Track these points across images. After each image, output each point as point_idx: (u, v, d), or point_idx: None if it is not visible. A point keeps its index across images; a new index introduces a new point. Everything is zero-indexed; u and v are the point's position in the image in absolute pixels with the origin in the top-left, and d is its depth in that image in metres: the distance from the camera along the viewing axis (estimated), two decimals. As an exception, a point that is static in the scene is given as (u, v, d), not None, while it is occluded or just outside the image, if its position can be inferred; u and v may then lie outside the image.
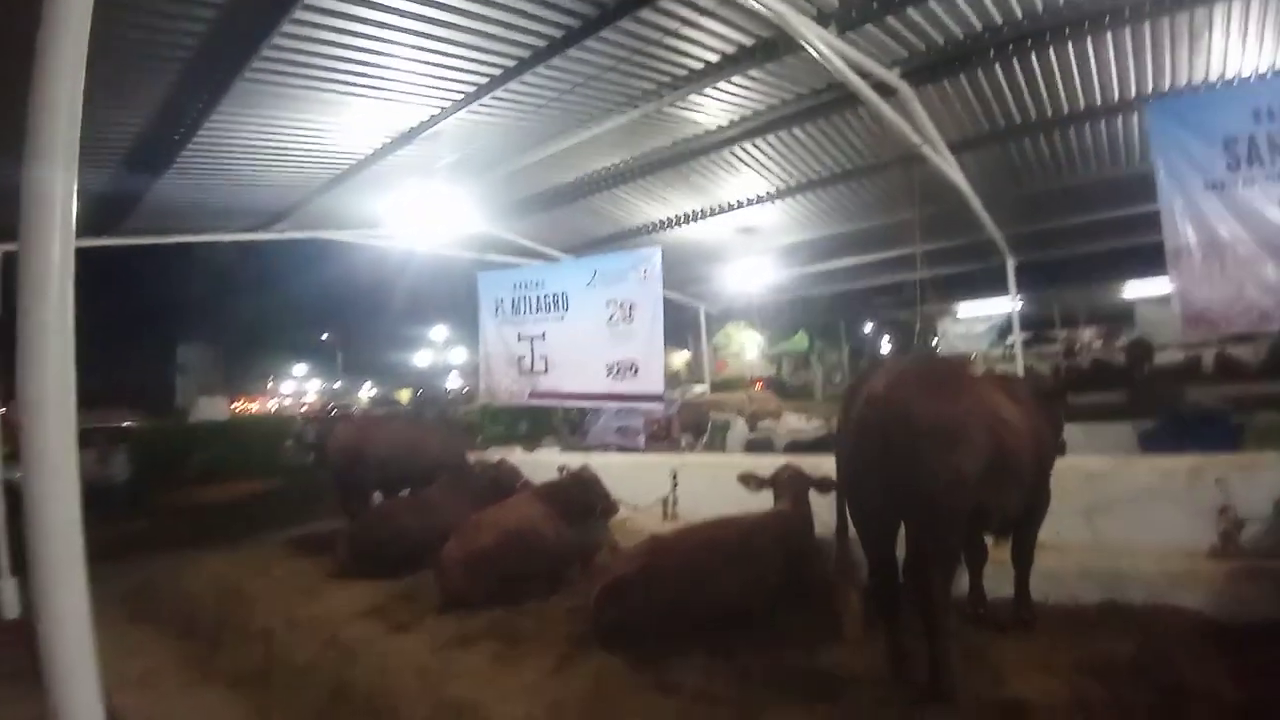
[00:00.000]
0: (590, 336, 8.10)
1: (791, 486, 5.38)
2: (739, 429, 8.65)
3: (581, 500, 6.41)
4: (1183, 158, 5.70)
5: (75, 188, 1.88)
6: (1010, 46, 6.52)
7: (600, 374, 7.99)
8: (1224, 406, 7.58)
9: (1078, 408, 9.11)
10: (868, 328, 23.12)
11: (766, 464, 5.96)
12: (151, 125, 5.93)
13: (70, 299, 1.79)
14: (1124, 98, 7.40)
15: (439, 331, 35.32)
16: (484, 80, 5.93)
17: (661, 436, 8.96)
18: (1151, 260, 14.77)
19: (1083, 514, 5.27)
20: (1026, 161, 8.95)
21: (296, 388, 40.56)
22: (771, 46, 6.10)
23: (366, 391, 38.94)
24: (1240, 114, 5.53)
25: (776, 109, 7.47)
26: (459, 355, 34.59)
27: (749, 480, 5.59)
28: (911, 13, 5.88)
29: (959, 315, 18.90)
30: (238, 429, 12.21)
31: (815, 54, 5.55)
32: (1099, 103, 7.50)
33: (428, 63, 5.59)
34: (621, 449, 8.62)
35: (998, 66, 6.88)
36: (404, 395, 32.53)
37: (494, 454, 8.57)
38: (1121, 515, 5.23)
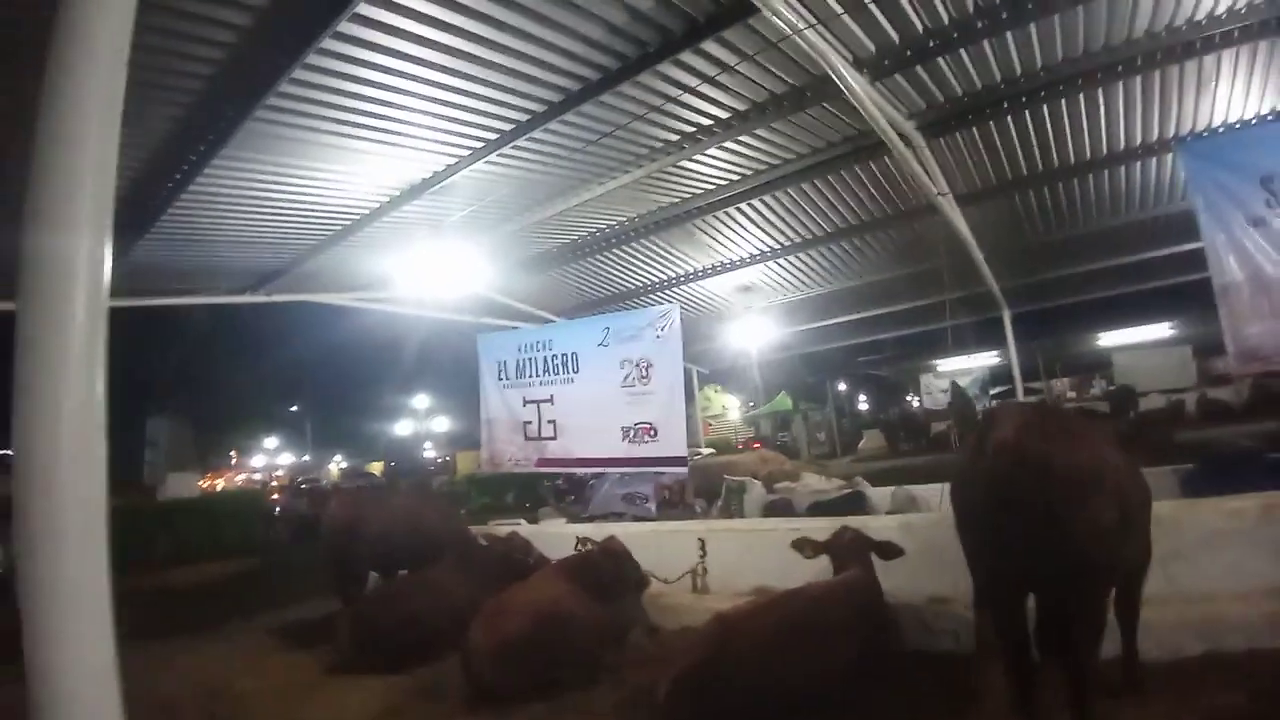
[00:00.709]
0: (603, 398, 7.59)
1: (853, 551, 4.92)
2: (756, 492, 8.16)
3: (612, 575, 5.82)
4: (1222, 195, 5.58)
5: (108, 256, 1.42)
6: (1023, 98, 6.48)
7: (615, 438, 7.47)
8: (1258, 444, 7.36)
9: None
10: (842, 386, 23.02)
11: (817, 528, 5.50)
12: (144, 173, 5.38)
13: (101, 385, 1.34)
14: (1129, 147, 7.42)
15: (421, 400, 34.07)
16: (509, 127, 5.57)
17: (675, 503, 8.41)
18: (1131, 310, 15.15)
19: (1157, 561, 4.90)
20: (1029, 214, 8.92)
21: (267, 461, 38.73)
22: (799, 96, 5.91)
23: (336, 464, 37.35)
24: (1275, 152, 5.45)
25: (791, 163, 7.29)
26: (441, 424, 33.35)
27: (804, 546, 5.11)
28: (940, 63, 5.76)
29: (939, 370, 18.94)
30: (210, 507, 11.25)
31: (854, 101, 5.39)
32: (1104, 153, 7.52)
33: (451, 104, 5.20)
34: (636, 518, 8.02)
35: (1009, 119, 6.84)
36: (376, 467, 31.22)
37: (500, 527, 7.96)
38: (1196, 560, 4.87)
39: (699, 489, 8.79)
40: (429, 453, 34.07)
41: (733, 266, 10.02)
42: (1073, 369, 20.08)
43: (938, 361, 18.44)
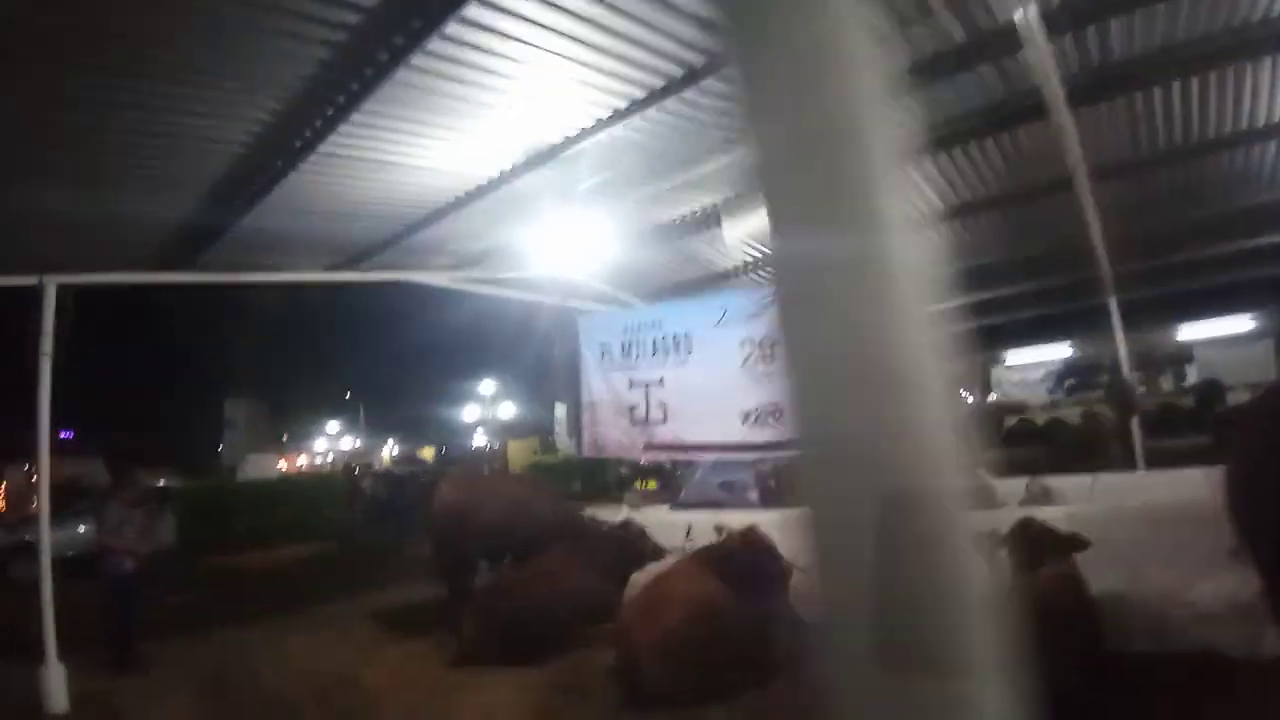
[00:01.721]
0: (720, 380, 7.13)
1: (1041, 545, 4.48)
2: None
3: (756, 567, 5.43)
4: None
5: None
6: (1175, 68, 5.95)
7: (734, 421, 7.02)
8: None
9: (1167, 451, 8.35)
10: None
11: (992, 519, 5.07)
12: (271, 131, 4.98)
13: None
14: (1268, 124, 6.88)
15: (487, 385, 33.11)
16: (657, 85, 5.13)
17: (782, 491, 7.94)
18: (1212, 302, 14.51)
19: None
20: (1153, 193, 8.33)
21: (328, 445, 38.32)
22: (959, 55, 5.42)
23: (389, 449, 37.00)
24: None
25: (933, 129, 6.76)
26: (507, 410, 32.57)
27: (986, 539, 4.68)
28: (1113, 21, 5.25)
29: (1008, 363, 18.29)
30: (288, 489, 10.94)
31: (1030, 59, 4.95)
32: (1244, 127, 6.96)
33: (595, 63, 4.79)
34: (751, 507, 7.54)
35: (1156, 89, 6.30)
36: (427, 453, 30.81)
37: (610, 512, 7.57)
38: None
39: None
40: (481, 440, 33.55)
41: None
42: (1148, 362, 19.21)
43: (1007, 353, 17.85)
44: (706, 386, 7.23)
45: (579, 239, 7.11)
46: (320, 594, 8.14)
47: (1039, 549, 4.48)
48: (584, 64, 4.80)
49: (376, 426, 39.00)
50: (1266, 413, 3.34)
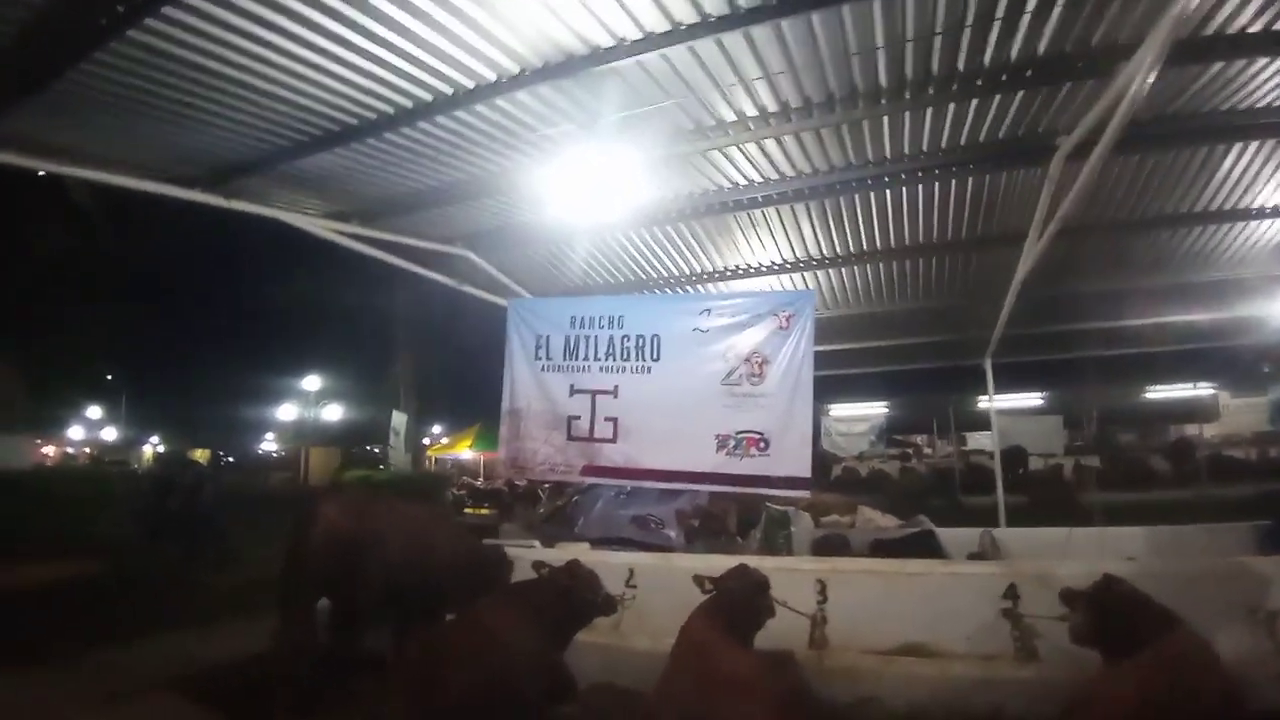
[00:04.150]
0: (694, 397, 5.79)
1: (1139, 613, 3.74)
2: (804, 524, 6.81)
3: (757, 618, 4.24)
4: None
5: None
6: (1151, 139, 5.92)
7: (706, 448, 5.71)
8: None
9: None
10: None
11: (1071, 575, 4.29)
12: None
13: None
14: (1209, 209, 7.21)
15: (311, 381, 27.21)
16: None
17: (713, 531, 6.77)
18: (1009, 376, 15.98)
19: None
20: (1077, 262, 8.48)
21: (87, 434, 29.95)
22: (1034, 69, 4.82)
23: (152, 446, 29.95)
24: None
25: (901, 161, 6.15)
26: (333, 412, 27.23)
27: (1073, 599, 3.87)
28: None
29: (834, 414, 18.84)
30: (43, 482, 7.73)
31: (1133, 87, 4.39)
32: (1185, 210, 7.23)
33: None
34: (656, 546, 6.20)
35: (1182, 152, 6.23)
36: (201, 455, 25.13)
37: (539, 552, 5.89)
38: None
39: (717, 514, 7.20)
40: (269, 445, 28.24)
41: (749, 273, 8.70)
42: (945, 427, 20.90)
43: (831, 407, 18.45)
44: (674, 402, 5.90)
45: (513, 207, 5.61)
46: (102, 634, 5.61)
47: (1135, 619, 3.72)
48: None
49: (140, 418, 31.80)
50: None
